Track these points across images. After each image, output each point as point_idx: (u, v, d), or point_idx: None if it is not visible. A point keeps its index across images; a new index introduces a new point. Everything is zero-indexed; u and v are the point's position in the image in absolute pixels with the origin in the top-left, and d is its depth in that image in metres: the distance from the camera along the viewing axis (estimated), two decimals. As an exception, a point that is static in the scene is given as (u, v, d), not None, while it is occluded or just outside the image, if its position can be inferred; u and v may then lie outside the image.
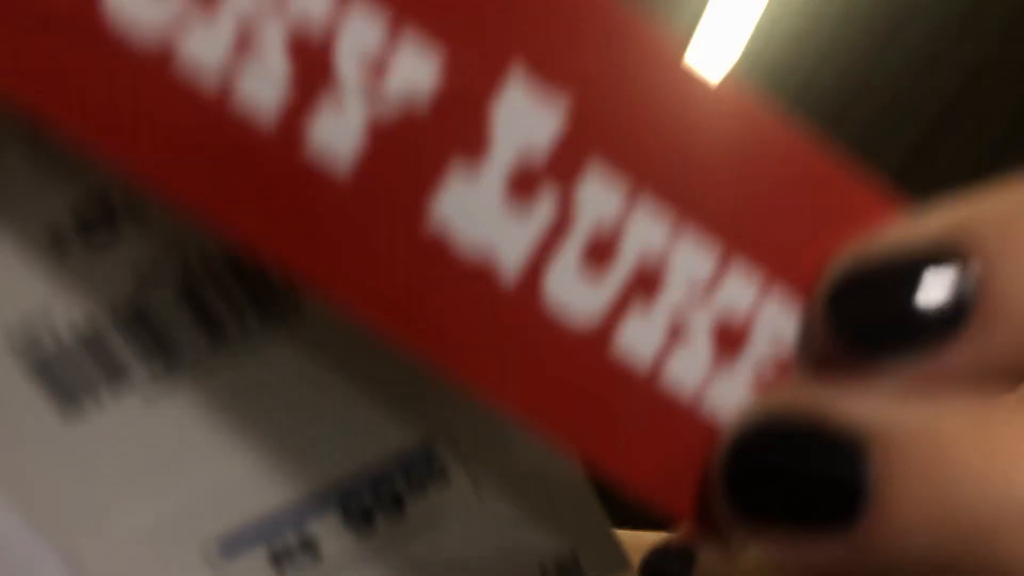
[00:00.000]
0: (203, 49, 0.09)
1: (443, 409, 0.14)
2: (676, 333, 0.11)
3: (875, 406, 0.10)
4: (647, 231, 0.11)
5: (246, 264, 0.12)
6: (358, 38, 0.09)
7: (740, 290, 0.11)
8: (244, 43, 0.09)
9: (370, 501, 0.14)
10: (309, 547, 0.14)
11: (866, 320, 0.10)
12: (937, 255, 0.09)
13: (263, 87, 0.09)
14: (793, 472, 0.10)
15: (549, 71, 0.10)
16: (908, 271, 0.10)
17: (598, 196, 0.10)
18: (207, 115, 0.09)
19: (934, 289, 0.09)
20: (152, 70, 0.09)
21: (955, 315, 0.09)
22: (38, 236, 0.11)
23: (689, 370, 0.11)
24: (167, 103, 0.09)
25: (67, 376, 0.12)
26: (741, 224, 0.11)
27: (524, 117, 0.10)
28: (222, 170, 0.09)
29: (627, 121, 0.10)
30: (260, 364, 0.13)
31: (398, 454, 0.14)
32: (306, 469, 0.13)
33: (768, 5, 0.87)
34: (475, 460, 0.14)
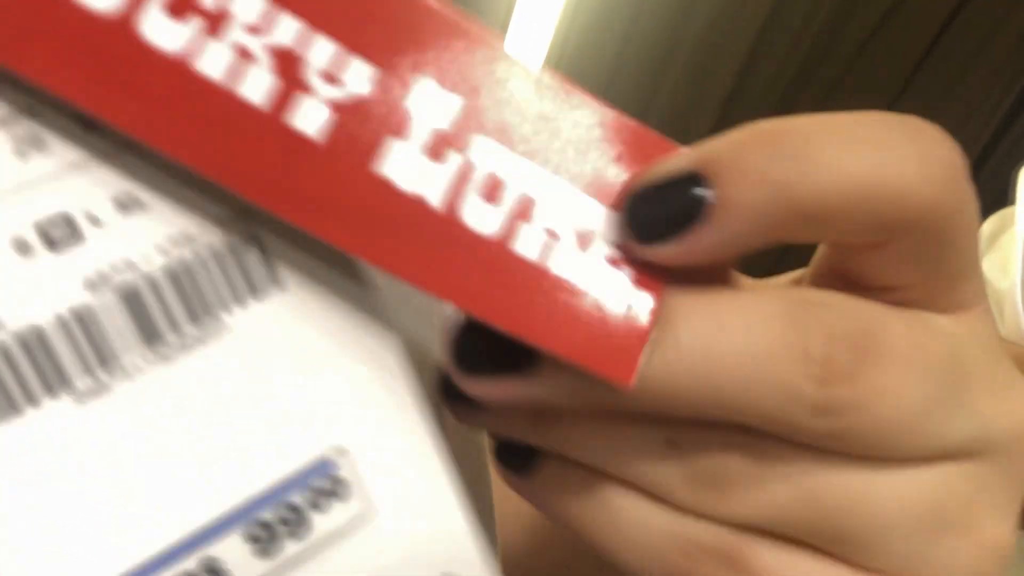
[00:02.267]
0: (215, 61, 0.13)
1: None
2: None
3: None
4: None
5: (186, 276, 0.13)
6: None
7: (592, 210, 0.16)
8: (245, 56, 0.13)
9: (274, 521, 0.15)
10: (214, 572, 0.14)
11: (649, 223, 0.15)
12: (690, 179, 0.15)
13: (257, 87, 0.13)
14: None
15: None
16: (671, 191, 0.15)
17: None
18: (220, 103, 0.13)
19: (689, 199, 0.15)
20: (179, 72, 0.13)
21: (700, 215, 0.15)
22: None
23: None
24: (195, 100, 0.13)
25: (5, 378, 0.13)
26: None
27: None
28: (234, 140, 0.13)
29: None
30: (187, 378, 0.14)
31: (299, 471, 0.15)
32: (212, 491, 0.14)
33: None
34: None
